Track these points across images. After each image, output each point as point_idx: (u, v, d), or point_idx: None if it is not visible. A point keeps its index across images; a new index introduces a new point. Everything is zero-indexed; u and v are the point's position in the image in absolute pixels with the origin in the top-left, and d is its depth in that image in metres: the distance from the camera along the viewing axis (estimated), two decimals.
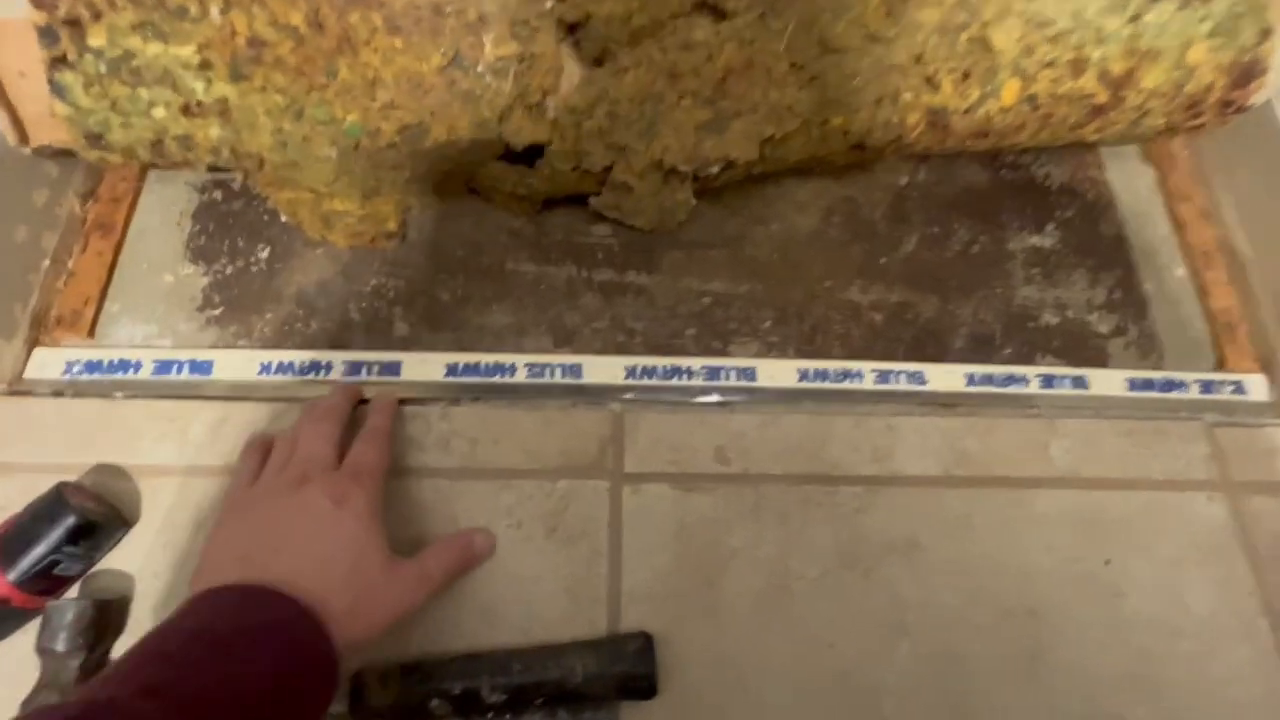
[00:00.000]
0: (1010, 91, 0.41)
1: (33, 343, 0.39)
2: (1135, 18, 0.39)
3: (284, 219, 0.43)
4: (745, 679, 0.34)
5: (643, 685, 0.32)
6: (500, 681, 0.31)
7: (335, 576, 0.29)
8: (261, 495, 0.31)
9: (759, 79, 0.39)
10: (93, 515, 0.32)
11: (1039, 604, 0.37)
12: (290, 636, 0.26)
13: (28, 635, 0.32)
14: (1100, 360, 0.44)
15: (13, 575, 0.30)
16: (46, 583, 0.31)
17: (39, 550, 0.31)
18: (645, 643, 0.33)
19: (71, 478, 0.36)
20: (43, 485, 0.34)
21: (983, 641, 0.36)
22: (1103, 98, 0.41)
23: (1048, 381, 0.42)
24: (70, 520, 0.31)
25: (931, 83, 0.40)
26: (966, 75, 0.40)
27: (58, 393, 0.38)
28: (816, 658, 0.35)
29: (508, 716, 0.32)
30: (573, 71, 0.39)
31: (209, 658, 0.24)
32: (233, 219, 0.44)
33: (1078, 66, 0.40)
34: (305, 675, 0.26)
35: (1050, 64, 0.40)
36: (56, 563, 0.31)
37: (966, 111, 0.41)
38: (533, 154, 0.40)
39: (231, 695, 0.23)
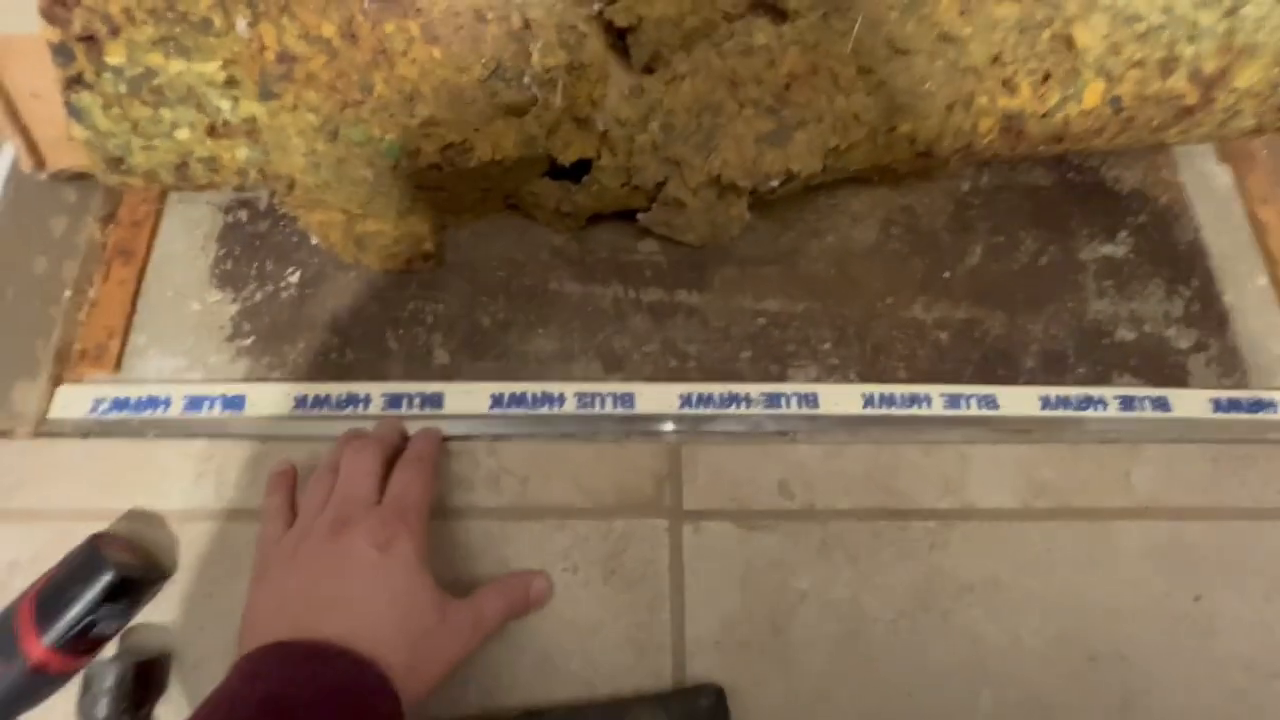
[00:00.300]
0: (1093, 94, 0.38)
1: (56, 380, 0.37)
2: (1232, 11, 0.36)
3: (314, 241, 0.41)
4: None
5: None
6: None
7: (390, 630, 0.27)
8: (301, 543, 0.29)
9: (824, 85, 0.36)
10: (130, 570, 0.30)
11: (1127, 645, 0.35)
12: (357, 697, 0.25)
13: (64, 697, 0.30)
14: (1180, 379, 0.41)
15: (49, 639, 0.29)
16: (84, 644, 0.30)
17: (76, 611, 0.29)
18: (718, 698, 0.31)
19: (104, 525, 0.34)
20: (73, 532, 0.32)
21: (1070, 687, 0.34)
22: (1192, 99, 0.38)
23: (1127, 403, 0.40)
24: (107, 577, 0.29)
25: (1009, 85, 0.37)
26: (1047, 77, 0.37)
27: (85, 433, 0.36)
28: (895, 709, 0.33)
29: None
30: (620, 80, 0.37)
31: None
32: (259, 241, 0.41)
33: (1167, 66, 0.37)
34: None
35: (1138, 63, 0.37)
36: (94, 623, 0.29)
37: (1044, 116, 0.38)
38: (578, 168, 0.38)
39: None
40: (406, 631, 0.27)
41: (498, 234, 0.42)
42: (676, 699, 0.31)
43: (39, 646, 0.28)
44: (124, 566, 0.30)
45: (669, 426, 0.38)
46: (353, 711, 0.24)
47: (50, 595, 0.29)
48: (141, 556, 0.32)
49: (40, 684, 0.29)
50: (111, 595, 0.30)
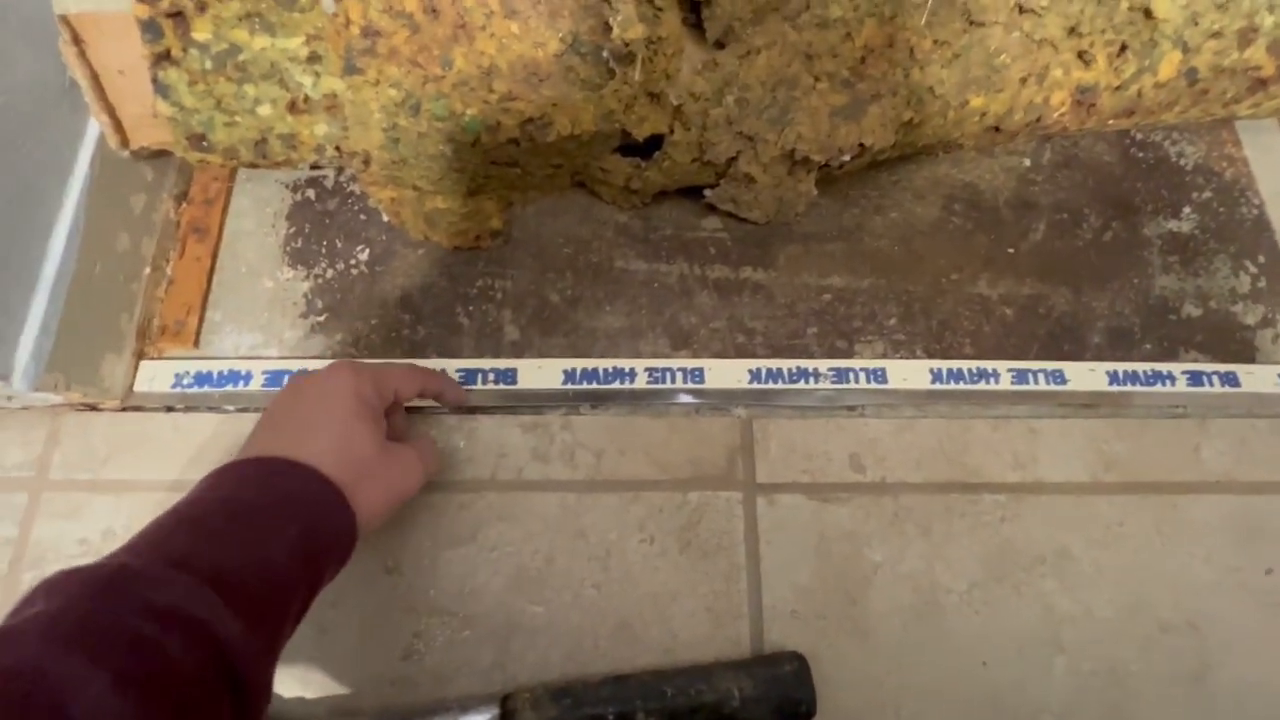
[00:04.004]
0: (1169, 65, 0.37)
1: (139, 355, 0.38)
2: None
3: (385, 218, 0.41)
4: (898, 701, 0.33)
5: (801, 709, 0.31)
6: (654, 706, 0.30)
7: (330, 450, 0.27)
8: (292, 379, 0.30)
9: (900, 58, 0.36)
10: None
11: (1198, 616, 0.35)
12: (314, 507, 0.26)
13: None
14: (1247, 354, 0.41)
15: None
16: None
17: None
18: (801, 664, 0.32)
19: None
20: (163, 503, 0.33)
21: (1143, 657, 0.34)
22: (1269, 70, 0.38)
23: (1195, 379, 0.40)
24: None
25: (1084, 58, 0.37)
26: (1123, 48, 0.37)
27: (169, 407, 0.37)
28: (970, 677, 0.34)
29: None
30: (693, 55, 0.37)
31: (236, 529, 0.24)
32: (328, 219, 0.42)
33: (1246, 36, 0.37)
34: (327, 545, 0.26)
35: (1217, 34, 0.36)
36: None
37: (1118, 88, 0.38)
38: (648, 145, 0.38)
39: (258, 565, 0.23)
40: (347, 455, 0.27)
41: (562, 211, 0.42)
42: (759, 665, 0.32)
43: None
44: None
45: (739, 401, 0.38)
46: (304, 515, 0.25)
47: None
48: None
49: None
50: None
